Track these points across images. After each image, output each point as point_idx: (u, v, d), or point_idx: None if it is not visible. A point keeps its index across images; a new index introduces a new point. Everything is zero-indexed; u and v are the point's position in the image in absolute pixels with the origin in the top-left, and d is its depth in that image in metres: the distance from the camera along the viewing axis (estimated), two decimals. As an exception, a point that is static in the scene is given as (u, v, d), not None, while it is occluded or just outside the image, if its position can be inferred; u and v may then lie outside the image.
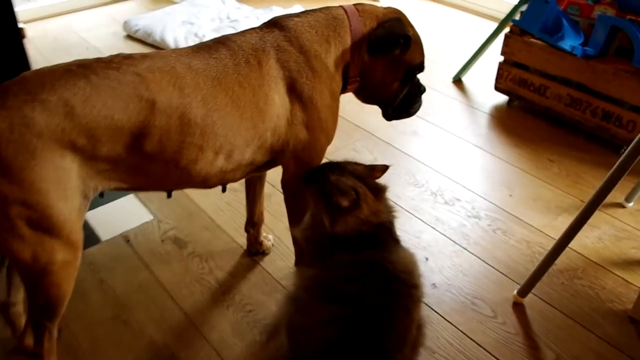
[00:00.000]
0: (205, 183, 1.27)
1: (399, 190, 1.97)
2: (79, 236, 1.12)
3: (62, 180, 1.05)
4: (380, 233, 1.21)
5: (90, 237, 1.76)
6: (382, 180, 1.31)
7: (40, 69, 1.08)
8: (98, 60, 1.12)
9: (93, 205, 1.89)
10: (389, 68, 1.39)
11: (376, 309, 1.09)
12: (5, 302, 1.31)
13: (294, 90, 1.27)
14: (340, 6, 1.38)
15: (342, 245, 1.19)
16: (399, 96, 1.44)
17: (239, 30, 2.99)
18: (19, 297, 1.32)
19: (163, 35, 2.99)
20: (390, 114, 1.49)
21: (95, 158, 1.09)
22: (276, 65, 1.26)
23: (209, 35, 2.99)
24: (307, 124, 1.31)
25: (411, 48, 1.38)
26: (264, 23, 1.36)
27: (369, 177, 1.28)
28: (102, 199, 1.84)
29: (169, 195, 1.33)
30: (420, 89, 1.48)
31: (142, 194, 1.97)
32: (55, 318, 1.19)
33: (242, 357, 1.39)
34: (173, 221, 1.82)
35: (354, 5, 1.40)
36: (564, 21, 2.20)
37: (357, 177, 1.25)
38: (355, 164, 1.30)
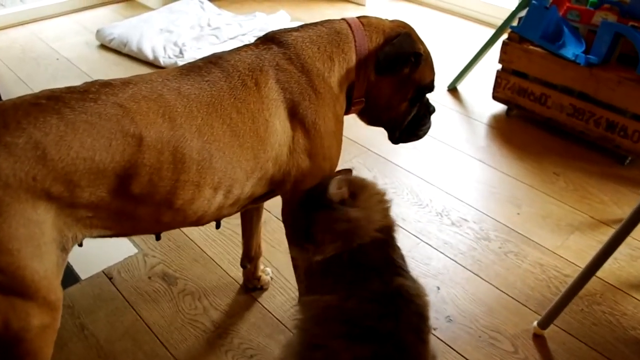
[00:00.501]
0: (199, 221, 1.14)
1: (403, 211, 1.85)
2: (57, 295, 0.97)
3: (35, 236, 0.90)
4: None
5: (69, 276, 1.59)
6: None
7: (2, 104, 0.92)
8: (71, 90, 0.96)
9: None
10: (397, 88, 1.27)
11: (405, 347, 0.97)
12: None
13: (295, 115, 1.14)
14: (343, 19, 1.26)
15: (367, 265, 1.05)
16: (407, 117, 1.33)
17: (221, 39, 2.89)
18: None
19: (140, 45, 2.82)
20: (398, 137, 1.37)
21: (74, 205, 0.94)
22: (276, 86, 1.13)
23: (189, 44, 2.82)
24: (309, 152, 1.18)
25: (421, 66, 1.26)
26: (259, 38, 1.23)
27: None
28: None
29: (158, 238, 1.18)
30: (430, 110, 1.37)
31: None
32: (32, 390, 1.03)
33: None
34: (160, 254, 1.66)
35: (358, 18, 1.27)
36: (565, 28, 2.11)
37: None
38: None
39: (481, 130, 2.32)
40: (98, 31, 3.01)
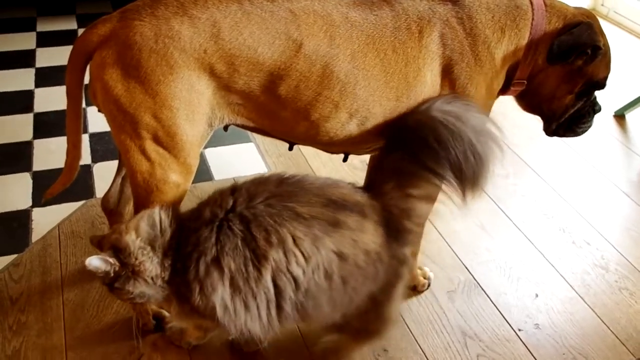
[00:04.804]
0: (329, 146, 1.22)
1: (524, 215, 1.80)
2: (194, 162, 1.12)
3: (193, 103, 1.04)
4: None
5: (204, 173, 1.79)
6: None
7: None
8: None
9: (214, 144, 1.92)
10: (565, 78, 1.23)
11: None
12: (114, 210, 1.35)
13: (448, 73, 1.16)
14: None
15: None
16: (570, 111, 1.28)
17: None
18: (128, 208, 1.36)
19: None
20: (554, 130, 1.32)
21: (229, 89, 1.07)
22: (438, 40, 1.15)
23: None
24: (451, 115, 1.19)
25: (597, 60, 1.21)
26: None
27: None
28: (224, 138, 1.85)
29: (291, 148, 1.28)
30: (595, 108, 1.30)
31: (263, 146, 1.97)
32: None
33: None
34: (285, 179, 1.80)
35: None
36: None
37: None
38: None
39: (638, 166, 2.14)
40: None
